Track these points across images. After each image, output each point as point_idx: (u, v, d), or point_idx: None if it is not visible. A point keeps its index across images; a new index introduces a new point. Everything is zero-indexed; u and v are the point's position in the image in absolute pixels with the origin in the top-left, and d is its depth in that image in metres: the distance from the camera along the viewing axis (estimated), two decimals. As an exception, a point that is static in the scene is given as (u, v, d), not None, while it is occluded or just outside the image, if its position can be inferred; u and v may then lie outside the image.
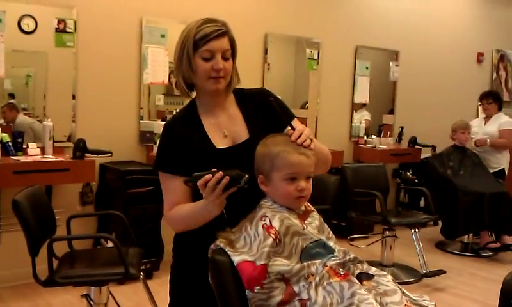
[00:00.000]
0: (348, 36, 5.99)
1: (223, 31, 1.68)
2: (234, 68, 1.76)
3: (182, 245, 1.84)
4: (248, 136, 1.75)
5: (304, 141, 1.61)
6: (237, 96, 1.82)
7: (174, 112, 1.83)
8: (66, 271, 2.82)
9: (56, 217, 3.10)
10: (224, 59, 1.68)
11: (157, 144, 1.77)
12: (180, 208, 1.67)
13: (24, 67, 4.11)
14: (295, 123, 1.75)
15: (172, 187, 1.69)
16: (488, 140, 5.50)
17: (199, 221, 1.63)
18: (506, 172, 5.72)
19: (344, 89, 6.05)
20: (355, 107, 6.21)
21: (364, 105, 6.31)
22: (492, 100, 5.68)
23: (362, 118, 6.19)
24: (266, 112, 1.79)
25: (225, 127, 1.76)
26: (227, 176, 1.47)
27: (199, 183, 1.49)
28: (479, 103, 5.80)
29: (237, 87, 1.82)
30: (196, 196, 1.64)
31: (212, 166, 1.51)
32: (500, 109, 5.72)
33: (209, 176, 1.48)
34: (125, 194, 4.03)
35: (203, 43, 1.65)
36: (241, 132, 1.76)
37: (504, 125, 5.54)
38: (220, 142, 1.73)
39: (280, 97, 1.87)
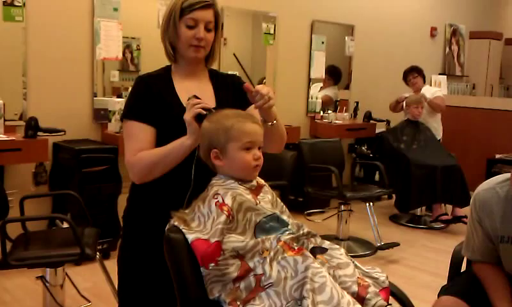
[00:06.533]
0: (304, 9, 5.98)
1: (209, 3, 1.81)
2: (216, 40, 1.87)
3: (133, 225, 1.87)
4: (215, 106, 1.81)
5: (268, 92, 1.71)
6: (211, 73, 1.95)
7: (130, 88, 1.89)
8: (20, 253, 2.76)
9: (9, 198, 3.03)
10: (207, 30, 1.81)
11: (127, 96, 1.88)
12: (148, 150, 1.74)
13: (-28, 43, 3.96)
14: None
15: (139, 134, 1.77)
16: (428, 97, 5.72)
17: (169, 157, 1.69)
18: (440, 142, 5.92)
19: (300, 64, 6.07)
20: (326, 84, 6.28)
21: (336, 83, 6.39)
22: (417, 73, 5.88)
23: (326, 93, 6.25)
24: (234, 93, 1.91)
25: (194, 93, 1.80)
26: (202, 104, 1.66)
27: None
28: (405, 81, 5.93)
29: (212, 68, 1.98)
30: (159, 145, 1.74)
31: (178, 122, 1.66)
32: (424, 81, 5.93)
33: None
34: (80, 174, 3.96)
35: (188, 12, 1.78)
36: (209, 102, 1.80)
37: (435, 93, 5.80)
38: None
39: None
